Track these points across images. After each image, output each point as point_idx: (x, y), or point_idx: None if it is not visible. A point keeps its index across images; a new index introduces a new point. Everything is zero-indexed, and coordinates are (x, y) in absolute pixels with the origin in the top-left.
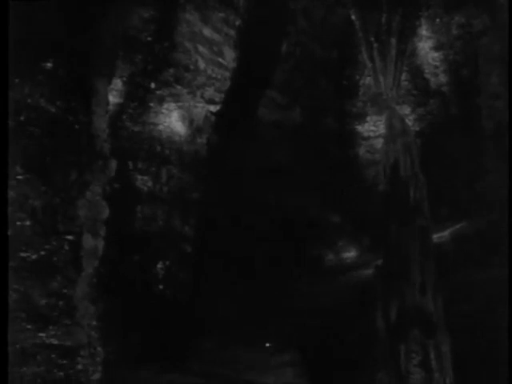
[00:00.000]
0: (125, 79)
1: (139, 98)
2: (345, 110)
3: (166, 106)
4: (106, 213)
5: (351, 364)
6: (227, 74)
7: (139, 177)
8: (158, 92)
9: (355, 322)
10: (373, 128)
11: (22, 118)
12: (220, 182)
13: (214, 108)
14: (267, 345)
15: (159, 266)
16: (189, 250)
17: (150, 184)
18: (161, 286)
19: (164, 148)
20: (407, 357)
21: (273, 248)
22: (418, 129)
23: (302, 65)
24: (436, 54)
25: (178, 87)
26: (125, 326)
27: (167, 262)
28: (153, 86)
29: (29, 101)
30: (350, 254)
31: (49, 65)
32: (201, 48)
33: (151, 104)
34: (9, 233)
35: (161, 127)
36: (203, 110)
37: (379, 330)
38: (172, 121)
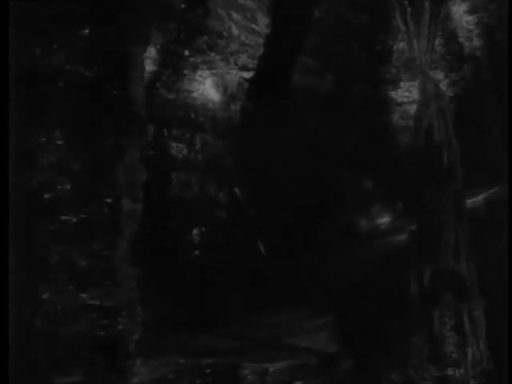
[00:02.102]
0: (159, 47)
1: (173, 66)
2: (378, 76)
3: (199, 73)
4: (143, 177)
5: (384, 328)
6: (260, 41)
7: (174, 144)
8: (191, 59)
9: (389, 286)
10: (406, 94)
11: (60, 84)
12: (253, 148)
13: (247, 74)
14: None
15: (195, 231)
16: (223, 217)
17: (184, 151)
18: (196, 252)
19: (198, 115)
20: (440, 321)
21: (306, 214)
22: (451, 94)
23: (335, 31)
24: (470, 18)
25: (212, 54)
26: (161, 291)
27: (202, 229)
28: (186, 53)
29: (67, 67)
30: (384, 220)
31: (86, 31)
32: (234, 14)
33: (185, 71)
34: (48, 196)
35: (195, 94)
36: (236, 76)
37: (413, 295)
38: (206, 88)
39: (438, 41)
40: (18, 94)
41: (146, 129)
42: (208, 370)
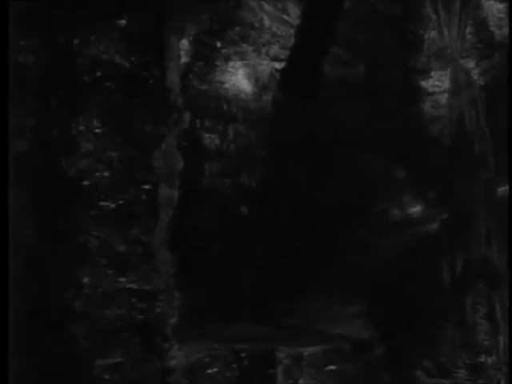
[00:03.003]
0: (191, 38)
1: (205, 57)
2: (409, 66)
3: (231, 64)
4: (180, 164)
5: (417, 316)
6: (292, 31)
7: (207, 135)
8: (223, 50)
9: (421, 275)
10: (437, 83)
11: (98, 74)
12: (285, 138)
13: (279, 65)
14: None
15: (227, 220)
16: (257, 205)
17: (217, 142)
18: (229, 241)
19: (230, 106)
20: (473, 309)
21: (338, 204)
22: (482, 83)
23: (365, 21)
24: (501, 6)
25: (244, 45)
26: (195, 278)
27: (235, 217)
28: (219, 44)
29: (104, 57)
30: (416, 209)
31: (123, 22)
32: (265, 5)
33: (217, 63)
34: (88, 182)
35: (227, 85)
36: (268, 67)
37: (445, 283)
38: (238, 79)
39: (468, 29)
40: (57, 84)
41: (183, 117)
42: (243, 354)
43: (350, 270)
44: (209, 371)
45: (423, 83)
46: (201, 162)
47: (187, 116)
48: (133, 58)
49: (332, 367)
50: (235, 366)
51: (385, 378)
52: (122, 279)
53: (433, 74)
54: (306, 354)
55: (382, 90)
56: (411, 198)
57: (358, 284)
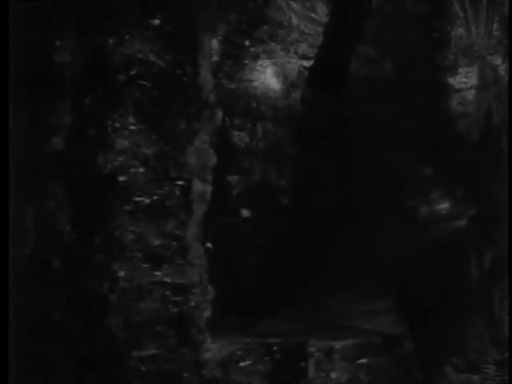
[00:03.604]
0: (220, 38)
1: (234, 56)
2: (436, 63)
3: (260, 62)
4: (213, 160)
5: (445, 311)
6: (320, 29)
7: (236, 133)
8: (252, 49)
9: (449, 271)
10: (464, 80)
11: (133, 72)
12: (313, 136)
13: (307, 63)
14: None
15: (257, 217)
16: (285, 202)
17: (246, 139)
18: (259, 237)
19: (259, 104)
20: (500, 304)
21: (366, 200)
22: (508, 79)
23: (393, 19)
24: None
25: (272, 44)
26: (225, 273)
27: (264, 214)
28: (247, 43)
29: (139, 56)
30: (444, 206)
31: (157, 21)
32: (293, 4)
33: (246, 61)
34: (123, 178)
35: (256, 84)
36: (296, 65)
37: (473, 279)
38: (266, 77)
39: (495, 26)
40: (93, 82)
41: (216, 114)
42: (275, 348)
43: (378, 266)
44: (241, 364)
45: (450, 80)
46: (230, 159)
47: (220, 113)
48: (166, 57)
49: (363, 360)
50: (267, 359)
51: (414, 373)
52: (157, 273)
53: (460, 70)
54: (337, 347)
55: (409, 88)
56: (439, 194)
57: (386, 280)
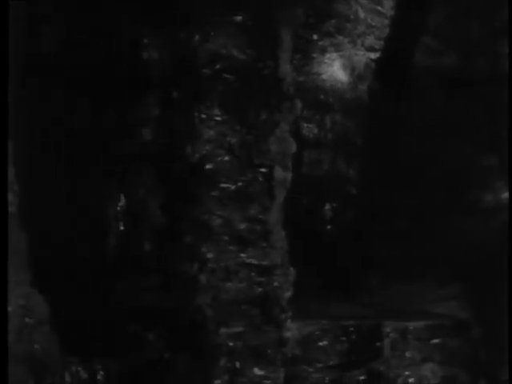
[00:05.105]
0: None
1: (302, 50)
2: (498, 52)
3: (328, 55)
4: (293, 148)
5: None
6: (386, 22)
7: (305, 125)
8: (320, 43)
9: None
10: None
11: (217, 67)
12: (379, 127)
13: (374, 55)
14: None
15: (326, 207)
16: (354, 192)
17: (315, 131)
18: (328, 226)
19: (327, 96)
20: None
21: (432, 190)
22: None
23: (455, 11)
24: None
25: (340, 37)
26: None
27: (334, 204)
28: (315, 37)
29: (223, 51)
30: (508, 195)
31: (239, 18)
32: None
33: (314, 55)
34: (210, 166)
35: (324, 76)
36: (364, 57)
37: None
38: (334, 70)
39: None
40: (179, 77)
41: (295, 104)
42: (352, 329)
43: (445, 253)
44: (319, 344)
45: None
46: (300, 150)
47: (299, 104)
48: (248, 51)
49: (436, 341)
50: (344, 339)
51: (481, 357)
52: (243, 255)
53: None
54: (411, 328)
55: (472, 78)
56: (504, 183)
57: (453, 267)
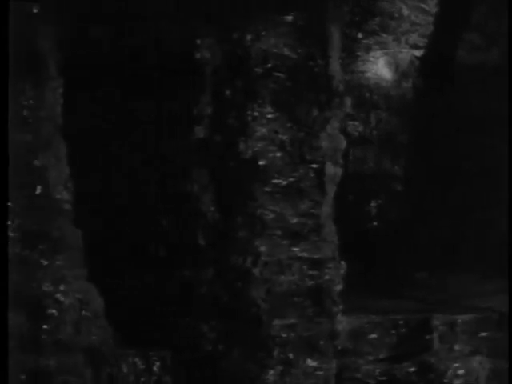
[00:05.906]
0: None
1: (347, 49)
2: None
3: (372, 54)
4: (343, 144)
5: None
6: (430, 19)
7: (350, 122)
8: (364, 41)
9: None
10: None
11: (269, 65)
12: (421, 124)
13: (418, 53)
14: None
15: (372, 204)
16: (399, 189)
17: (360, 128)
18: (375, 223)
19: (372, 94)
20: None
21: (472, 185)
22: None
23: (497, 7)
24: None
25: (384, 35)
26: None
27: (379, 201)
28: (360, 35)
29: (274, 50)
30: None
31: (290, 18)
32: None
33: (359, 53)
34: (263, 163)
35: (368, 74)
36: (408, 55)
37: None
38: (379, 67)
39: None
40: (232, 76)
41: (345, 101)
42: (401, 322)
43: (489, 247)
44: (369, 336)
45: None
46: (346, 148)
47: (349, 101)
48: (299, 50)
49: (484, 334)
50: (393, 332)
51: None
52: (295, 248)
53: None
54: (459, 321)
55: None
56: None
57: (497, 261)
